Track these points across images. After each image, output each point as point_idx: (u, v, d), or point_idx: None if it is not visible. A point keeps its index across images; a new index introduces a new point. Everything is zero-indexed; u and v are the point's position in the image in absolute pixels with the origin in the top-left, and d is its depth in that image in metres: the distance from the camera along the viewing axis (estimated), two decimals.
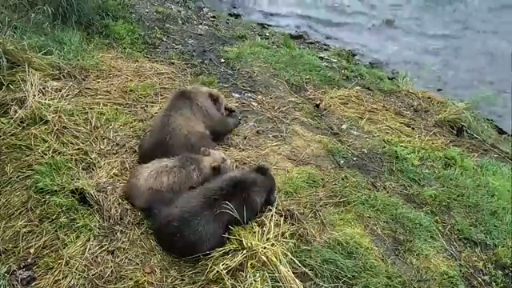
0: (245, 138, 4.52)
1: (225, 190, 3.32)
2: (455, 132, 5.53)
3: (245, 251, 3.11)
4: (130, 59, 5.58)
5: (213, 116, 4.33)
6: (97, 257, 3.18)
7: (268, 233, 3.26)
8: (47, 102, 4.32)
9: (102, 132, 4.22)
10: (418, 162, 4.67)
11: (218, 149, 4.19)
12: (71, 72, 4.90)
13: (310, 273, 3.21)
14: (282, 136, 4.66)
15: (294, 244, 3.35)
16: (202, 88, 4.61)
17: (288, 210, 3.62)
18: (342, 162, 4.47)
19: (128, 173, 3.84)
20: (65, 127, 4.13)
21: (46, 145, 3.91)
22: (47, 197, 3.46)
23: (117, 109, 4.57)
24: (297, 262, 3.18)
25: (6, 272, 3.04)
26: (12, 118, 4.11)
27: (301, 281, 3.07)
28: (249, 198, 3.37)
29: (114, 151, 4.08)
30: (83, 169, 3.80)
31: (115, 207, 3.50)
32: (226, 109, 4.66)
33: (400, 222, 3.86)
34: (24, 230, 3.30)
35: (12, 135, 3.99)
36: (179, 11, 7.48)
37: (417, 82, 6.51)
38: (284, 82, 5.69)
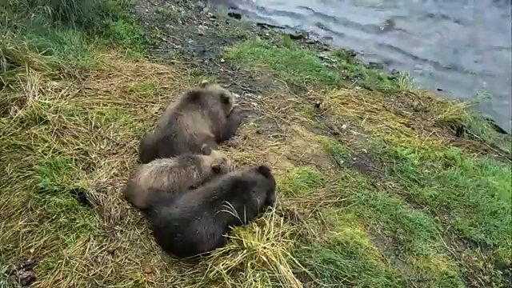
0: (245, 138, 4.52)
1: (225, 190, 3.32)
2: (455, 132, 5.52)
3: (245, 251, 3.11)
4: (130, 59, 5.57)
5: (219, 122, 4.34)
6: (97, 257, 3.19)
7: (268, 233, 3.26)
8: (47, 101, 4.32)
9: (102, 132, 4.23)
10: (418, 162, 4.66)
11: (219, 149, 4.19)
12: (71, 72, 4.90)
13: (309, 273, 3.21)
14: (282, 136, 4.65)
15: (294, 244, 3.36)
16: (215, 88, 4.57)
17: (288, 210, 3.62)
18: (342, 161, 4.47)
19: (128, 173, 3.84)
20: (65, 127, 4.14)
21: (46, 145, 3.91)
22: (47, 197, 3.47)
23: (117, 109, 4.57)
24: (297, 262, 3.18)
25: (5, 272, 3.05)
26: (12, 118, 4.12)
27: (301, 281, 3.08)
28: (249, 198, 3.37)
29: (114, 151, 4.08)
30: (83, 169, 3.80)
31: (115, 207, 3.51)
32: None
33: (400, 222, 3.86)
34: (24, 230, 3.31)
35: (12, 135, 3.99)
36: (179, 11, 7.48)
37: (417, 82, 6.49)
38: (284, 82, 5.68)
